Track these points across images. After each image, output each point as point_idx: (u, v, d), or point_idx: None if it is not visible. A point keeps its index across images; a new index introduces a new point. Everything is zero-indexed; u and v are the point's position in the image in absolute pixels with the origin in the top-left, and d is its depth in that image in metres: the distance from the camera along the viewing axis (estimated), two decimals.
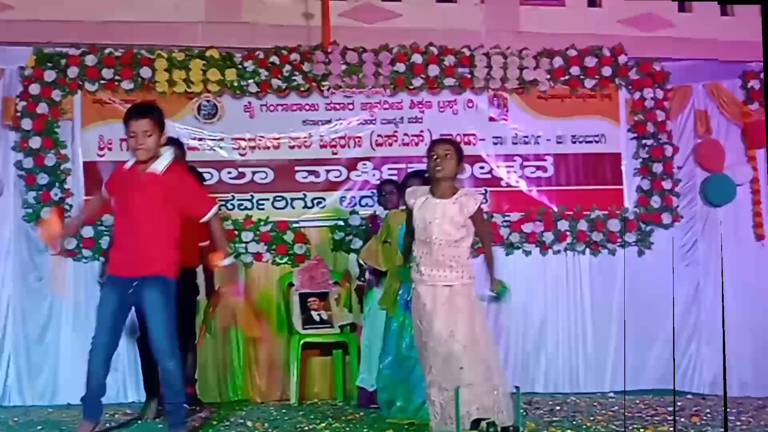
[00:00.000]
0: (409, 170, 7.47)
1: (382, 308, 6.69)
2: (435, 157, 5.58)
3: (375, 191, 7.69)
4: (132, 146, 5.42)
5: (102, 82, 7.84)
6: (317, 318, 7.68)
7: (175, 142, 6.14)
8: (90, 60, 7.82)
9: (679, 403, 7.32)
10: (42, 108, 7.73)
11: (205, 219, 5.47)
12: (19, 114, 7.73)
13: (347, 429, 6.02)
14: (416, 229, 5.59)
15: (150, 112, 5.50)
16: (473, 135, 8.25)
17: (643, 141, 8.38)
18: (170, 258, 5.44)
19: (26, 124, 7.71)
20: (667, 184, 8.33)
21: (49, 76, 7.77)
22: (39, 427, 6.27)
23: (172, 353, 5.42)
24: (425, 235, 5.52)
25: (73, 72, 7.81)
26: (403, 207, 6.10)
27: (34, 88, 7.74)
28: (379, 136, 8.19)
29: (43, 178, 7.68)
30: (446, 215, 5.51)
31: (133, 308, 5.55)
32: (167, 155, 5.49)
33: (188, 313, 6.72)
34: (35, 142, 7.69)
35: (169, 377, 5.47)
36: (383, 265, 6.80)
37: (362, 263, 7.27)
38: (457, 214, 5.51)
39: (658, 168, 8.33)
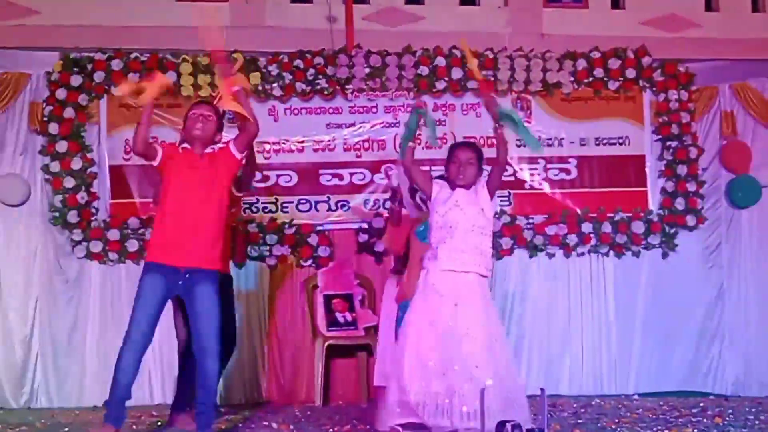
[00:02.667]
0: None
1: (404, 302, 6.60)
2: (457, 164, 5.58)
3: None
4: (189, 126, 5.38)
5: None
6: (341, 320, 7.72)
7: None
8: (116, 64, 7.89)
9: (701, 404, 7.30)
10: (68, 112, 7.81)
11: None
12: (45, 118, 7.81)
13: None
14: (436, 216, 5.58)
15: (212, 104, 5.55)
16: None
17: (668, 143, 8.35)
18: (223, 253, 5.47)
19: (53, 128, 7.78)
20: (691, 186, 8.30)
21: (76, 80, 7.85)
22: (66, 429, 6.31)
23: (217, 353, 5.34)
24: (445, 221, 5.51)
25: (99, 76, 7.88)
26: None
27: (61, 93, 7.82)
28: None
29: (69, 182, 7.76)
30: (466, 201, 5.52)
31: None
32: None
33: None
34: (62, 146, 7.77)
35: (207, 378, 5.34)
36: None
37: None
38: (475, 203, 5.53)
39: (682, 170, 8.29)
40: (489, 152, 5.98)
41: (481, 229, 5.52)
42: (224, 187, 5.45)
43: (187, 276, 5.29)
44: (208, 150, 5.49)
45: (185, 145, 5.47)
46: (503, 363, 5.42)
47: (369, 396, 7.71)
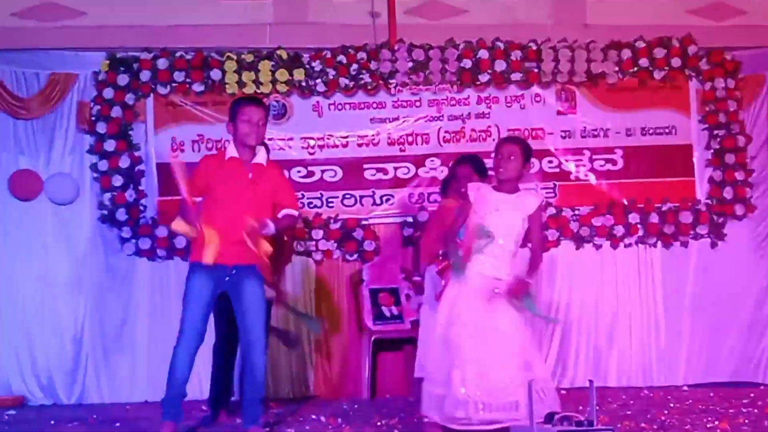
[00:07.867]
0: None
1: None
2: (499, 158, 5.58)
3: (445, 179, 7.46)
4: (244, 130, 5.39)
5: (174, 84, 7.97)
6: (388, 313, 7.75)
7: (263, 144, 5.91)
8: (161, 63, 7.95)
9: (752, 395, 7.23)
10: (116, 111, 7.89)
11: (297, 212, 5.57)
12: (93, 118, 7.90)
13: (420, 424, 6.02)
14: (475, 216, 5.54)
15: (265, 106, 5.61)
16: (541, 129, 8.21)
17: (715, 131, 8.25)
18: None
19: (101, 127, 7.87)
20: (739, 175, 8.19)
21: (122, 80, 7.92)
22: (117, 424, 6.42)
23: (264, 347, 5.46)
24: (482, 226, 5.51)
25: (145, 76, 7.95)
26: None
27: (108, 92, 7.90)
28: (446, 132, 8.20)
29: (118, 180, 7.84)
30: (506, 209, 5.49)
31: None
32: (264, 151, 5.58)
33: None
34: (110, 145, 7.86)
35: (256, 371, 5.45)
36: None
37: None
38: (517, 209, 5.50)
39: (730, 159, 8.19)
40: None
41: (516, 236, 5.50)
42: (267, 200, 5.48)
43: (233, 272, 5.36)
44: (255, 160, 5.51)
45: (233, 154, 5.49)
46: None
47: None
